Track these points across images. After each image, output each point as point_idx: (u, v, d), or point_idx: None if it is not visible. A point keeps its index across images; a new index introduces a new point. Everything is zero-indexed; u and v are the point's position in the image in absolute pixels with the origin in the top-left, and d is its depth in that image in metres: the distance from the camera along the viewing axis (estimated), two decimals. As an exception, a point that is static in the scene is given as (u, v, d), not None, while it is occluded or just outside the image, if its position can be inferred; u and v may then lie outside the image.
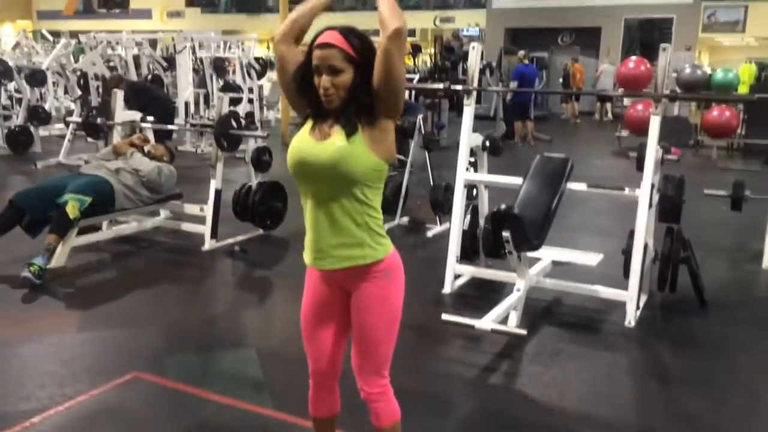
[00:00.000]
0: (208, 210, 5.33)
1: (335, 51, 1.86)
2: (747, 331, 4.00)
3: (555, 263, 4.47)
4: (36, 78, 10.48)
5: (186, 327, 3.90)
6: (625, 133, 11.57)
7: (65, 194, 4.64)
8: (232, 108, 9.54)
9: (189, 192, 5.86)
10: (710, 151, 11.11)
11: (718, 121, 10.15)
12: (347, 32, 1.89)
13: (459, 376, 3.35)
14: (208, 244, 5.32)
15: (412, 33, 24.43)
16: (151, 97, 8.55)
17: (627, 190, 4.09)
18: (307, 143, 1.95)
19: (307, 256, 2.06)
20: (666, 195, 4.23)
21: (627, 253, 4.04)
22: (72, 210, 4.57)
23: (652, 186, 3.99)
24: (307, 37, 2.00)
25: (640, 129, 9.44)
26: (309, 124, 1.99)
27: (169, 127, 8.12)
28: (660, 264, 4.18)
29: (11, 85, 10.76)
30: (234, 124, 5.38)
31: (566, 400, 3.11)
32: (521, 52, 12.82)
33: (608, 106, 17.04)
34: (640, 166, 4.00)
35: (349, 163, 1.88)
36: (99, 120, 5.96)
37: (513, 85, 11.92)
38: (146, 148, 5.45)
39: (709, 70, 10.66)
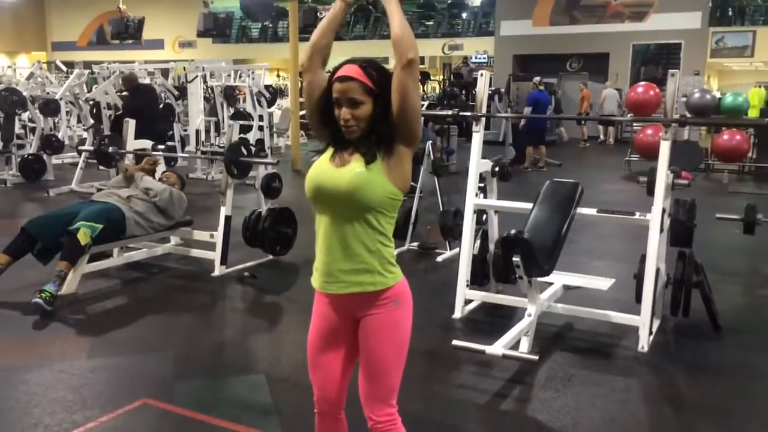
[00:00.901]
0: (218, 236, 5.35)
1: (355, 84, 1.91)
2: (762, 356, 3.94)
3: (566, 288, 4.43)
4: (50, 108, 10.63)
5: (195, 353, 3.89)
6: (634, 156, 11.58)
7: (77, 222, 4.68)
8: (242, 135, 9.64)
9: (199, 218, 5.89)
10: (721, 175, 11.06)
11: (729, 144, 10.14)
12: (366, 65, 1.94)
13: (470, 402, 3.32)
14: (218, 270, 5.33)
15: (420, 60, 24.63)
16: (148, 104, 8.61)
17: (638, 215, 4.07)
18: (326, 169, 1.98)
19: (315, 280, 2.07)
20: (677, 219, 4.21)
21: (639, 278, 4.01)
22: (83, 237, 4.60)
23: (664, 210, 3.97)
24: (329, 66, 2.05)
25: (650, 153, 9.46)
26: (329, 151, 2.02)
27: (180, 154, 8.20)
28: (672, 288, 4.14)
29: (25, 115, 10.89)
30: (244, 151, 5.41)
31: (579, 427, 3.06)
32: (536, 79, 12.97)
33: (611, 130, 17.07)
34: (650, 190, 3.99)
35: (366, 190, 1.91)
36: (111, 149, 6.02)
37: (527, 110, 11.94)
38: (158, 176, 5.50)
39: (718, 95, 10.67)
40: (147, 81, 12.19)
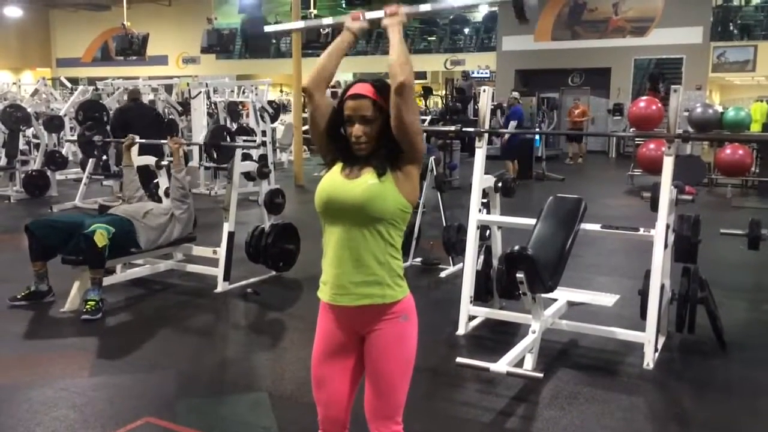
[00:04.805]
0: (221, 252, 5.34)
1: (368, 102, 1.97)
2: (769, 373, 3.91)
3: (570, 304, 4.41)
4: (54, 124, 10.67)
5: (198, 371, 3.87)
6: (637, 171, 11.58)
7: (91, 226, 4.64)
8: (245, 151, 9.63)
9: (202, 234, 5.88)
10: (724, 190, 11.03)
11: (732, 159, 10.14)
12: (378, 84, 2.00)
13: (474, 420, 3.29)
14: (221, 287, 5.32)
15: (423, 75, 24.73)
16: (139, 118, 8.46)
17: (642, 231, 4.06)
18: (338, 181, 2.02)
19: (324, 293, 2.07)
20: (682, 235, 4.19)
21: (644, 294, 3.99)
22: (100, 239, 4.55)
23: (668, 226, 3.95)
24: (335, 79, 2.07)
25: (653, 167, 9.45)
26: (339, 165, 2.06)
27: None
28: (677, 305, 4.12)
29: (29, 131, 10.94)
30: (227, 137, 5.40)
31: (585, 446, 3.03)
32: (515, 93, 12.94)
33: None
34: (654, 206, 3.98)
35: (379, 201, 1.95)
36: (96, 138, 6.01)
37: (513, 124, 11.93)
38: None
39: (720, 109, 10.68)
40: (151, 97, 12.24)
